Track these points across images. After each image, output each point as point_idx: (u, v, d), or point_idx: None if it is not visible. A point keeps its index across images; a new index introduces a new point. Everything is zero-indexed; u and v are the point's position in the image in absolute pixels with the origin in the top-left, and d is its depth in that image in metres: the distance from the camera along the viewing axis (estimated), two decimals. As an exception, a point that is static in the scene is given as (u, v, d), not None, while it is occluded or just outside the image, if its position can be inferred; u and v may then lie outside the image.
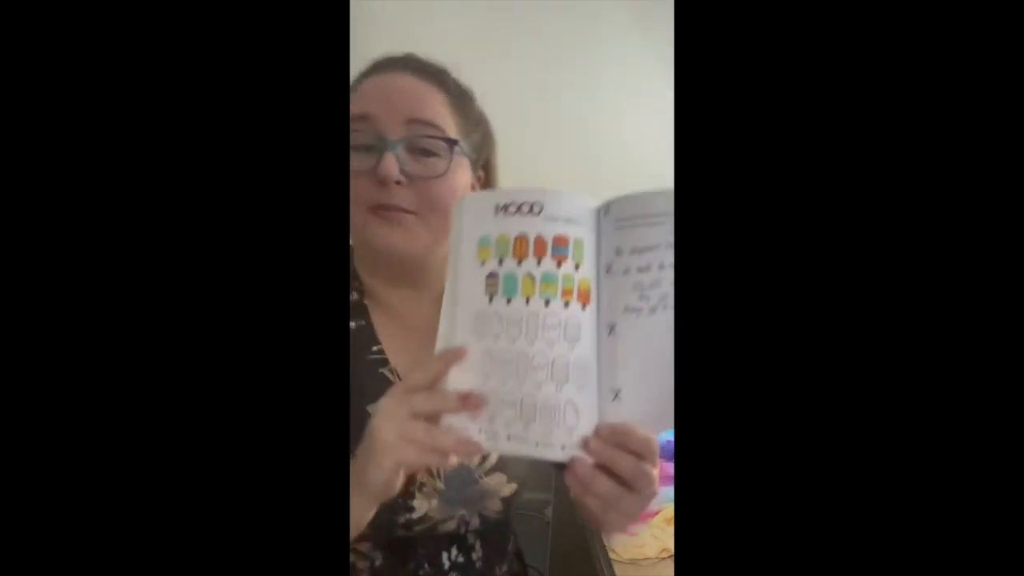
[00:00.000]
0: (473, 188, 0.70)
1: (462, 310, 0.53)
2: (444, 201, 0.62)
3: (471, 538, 0.68)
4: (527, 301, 0.51)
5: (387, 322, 0.70)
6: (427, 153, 0.64)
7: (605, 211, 0.53)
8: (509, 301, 0.51)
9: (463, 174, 0.66)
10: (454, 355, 0.51)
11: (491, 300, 0.52)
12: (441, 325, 0.54)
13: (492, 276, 0.52)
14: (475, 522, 0.68)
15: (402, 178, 0.62)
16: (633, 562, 0.73)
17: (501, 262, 0.52)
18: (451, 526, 0.66)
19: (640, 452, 0.49)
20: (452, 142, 0.64)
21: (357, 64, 0.59)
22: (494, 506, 0.68)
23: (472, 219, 0.53)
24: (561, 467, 0.51)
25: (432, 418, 0.50)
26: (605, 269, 0.52)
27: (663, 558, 0.72)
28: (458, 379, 0.52)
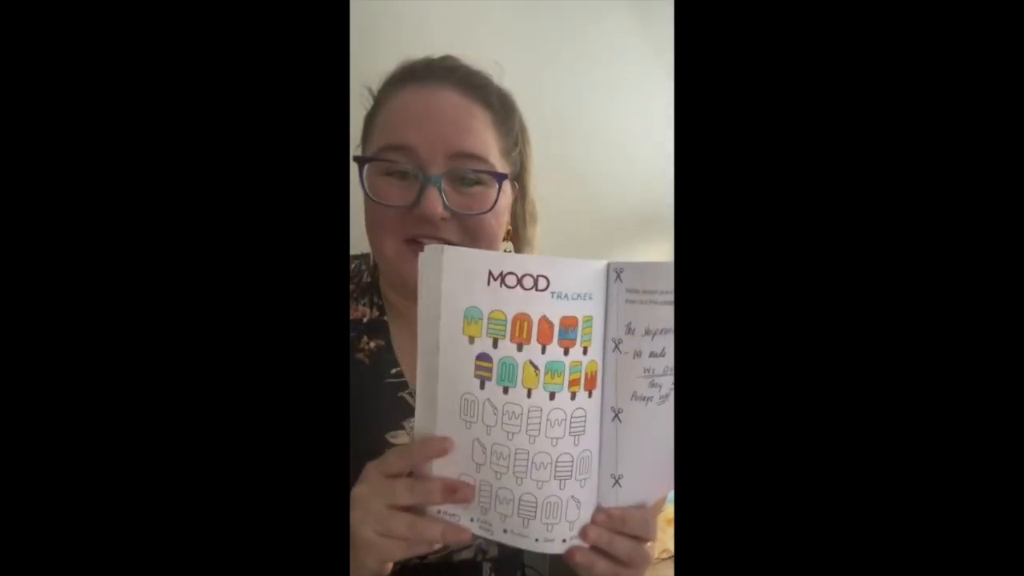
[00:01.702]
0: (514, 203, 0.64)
1: (445, 389, 0.45)
2: (490, 232, 0.58)
3: (486, 568, 0.65)
4: (528, 393, 0.43)
5: (408, 343, 0.63)
6: (470, 183, 0.56)
7: (616, 275, 0.45)
8: (506, 390, 0.43)
9: (506, 199, 0.60)
10: (438, 448, 0.45)
11: (482, 385, 0.44)
12: (418, 400, 0.46)
13: (484, 358, 0.43)
14: (493, 551, 0.64)
15: (447, 215, 0.55)
16: None
17: (496, 344, 0.43)
18: (467, 555, 0.63)
19: (638, 535, 0.47)
20: (500, 176, 0.57)
21: (357, 64, 0.47)
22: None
23: (457, 283, 0.43)
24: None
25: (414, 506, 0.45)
26: (613, 345, 0.45)
27: (663, 559, 0.73)
28: (444, 465, 0.46)
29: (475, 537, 0.62)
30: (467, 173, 0.56)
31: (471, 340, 0.43)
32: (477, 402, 0.44)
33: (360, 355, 0.62)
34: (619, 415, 0.45)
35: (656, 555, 0.73)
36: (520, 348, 0.43)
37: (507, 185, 0.59)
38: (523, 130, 0.65)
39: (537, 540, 0.45)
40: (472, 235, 0.57)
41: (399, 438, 0.59)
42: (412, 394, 0.62)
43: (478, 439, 0.44)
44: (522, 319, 0.43)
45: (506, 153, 0.61)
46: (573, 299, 0.43)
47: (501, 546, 0.64)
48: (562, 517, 0.45)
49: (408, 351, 0.63)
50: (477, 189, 0.57)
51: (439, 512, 0.46)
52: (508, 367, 0.43)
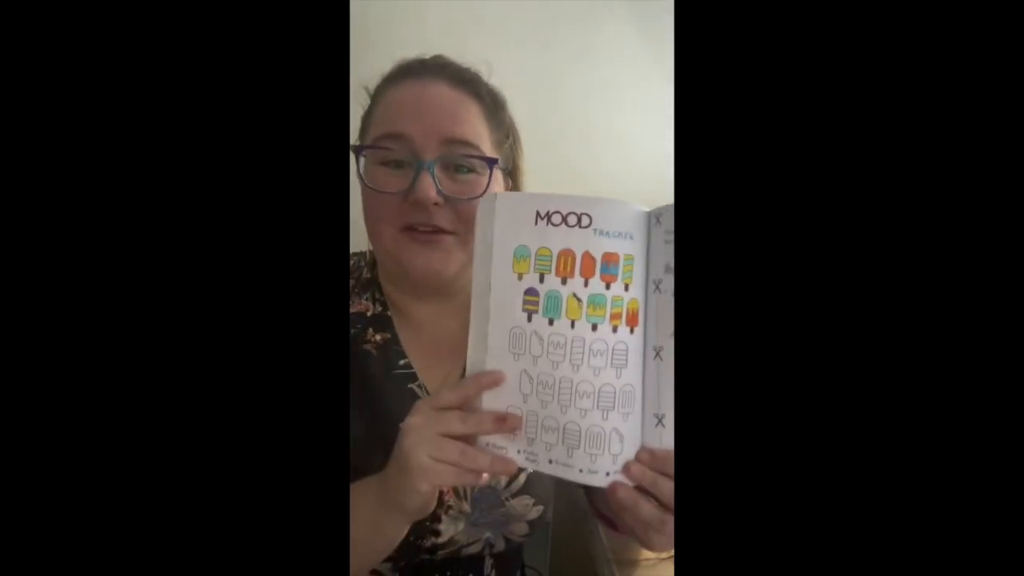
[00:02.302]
0: None
1: (495, 326, 0.48)
2: None
3: (488, 562, 0.67)
4: (572, 324, 0.46)
5: (413, 335, 0.66)
6: (464, 170, 0.60)
7: (656, 220, 0.47)
8: (551, 322, 0.46)
9: (498, 187, 0.63)
10: (489, 380, 0.47)
11: (530, 319, 0.47)
12: (471, 338, 0.49)
13: (531, 293, 0.47)
14: (500, 544, 0.66)
15: (440, 200, 0.58)
16: (633, 562, 0.72)
17: (542, 279, 0.47)
18: (475, 549, 0.64)
19: None
20: (492, 161, 0.60)
21: (357, 65, 0.52)
22: (520, 529, 0.66)
23: (507, 224, 0.47)
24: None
25: (465, 437, 0.48)
26: (654, 286, 0.48)
27: (663, 558, 0.72)
28: (493, 397, 0.48)
29: (479, 530, 0.63)
30: (460, 159, 0.59)
31: (520, 276, 0.47)
32: (524, 334, 0.47)
33: (368, 347, 0.64)
34: (661, 353, 0.47)
35: (656, 555, 0.70)
36: (564, 281, 0.46)
37: (499, 173, 0.61)
38: (513, 128, 0.67)
39: (581, 471, 0.47)
40: (465, 221, 0.59)
41: None
42: (421, 386, 0.64)
43: (525, 370, 0.47)
44: (566, 254, 0.46)
45: (498, 145, 0.63)
46: (615, 236, 0.46)
47: (506, 540, 0.66)
48: (606, 448, 0.47)
49: (413, 344, 0.65)
50: (470, 176, 0.60)
51: (488, 446, 0.48)
52: (553, 300, 0.46)
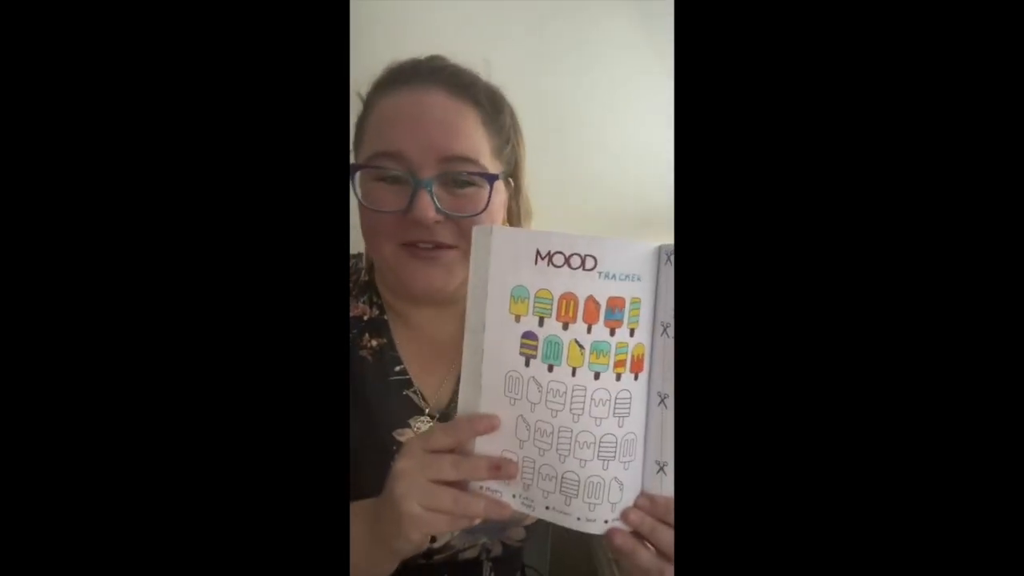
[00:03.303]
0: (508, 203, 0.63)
1: (490, 368, 0.45)
2: None
3: (486, 567, 0.66)
4: (573, 372, 0.43)
5: (410, 341, 0.64)
6: (463, 184, 0.57)
7: (667, 258, 0.44)
8: (551, 368, 0.44)
9: (499, 199, 0.60)
10: (485, 425, 0.45)
11: (527, 363, 0.44)
12: (463, 374, 0.47)
13: (530, 336, 0.44)
14: (497, 549, 0.65)
15: (439, 217, 0.56)
16: None
17: (541, 322, 0.43)
18: (472, 554, 0.64)
19: None
20: (492, 177, 0.57)
21: (357, 65, 0.48)
22: (517, 535, 0.65)
23: (505, 261, 0.44)
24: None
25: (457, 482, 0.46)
26: (662, 329, 0.45)
27: None
28: (487, 440, 0.46)
29: (475, 535, 0.62)
30: (459, 176, 0.56)
31: (517, 319, 0.44)
32: (522, 379, 0.44)
33: (364, 352, 0.63)
34: (665, 400, 0.45)
35: None
36: (566, 327, 0.43)
37: (500, 184, 0.59)
38: (515, 125, 0.64)
39: (579, 519, 0.45)
40: (467, 235, 0.56)
41: (404, 436, 0.60)
42: (417, 392, 0.62)
43: (522, 416, 0.45)
44: (568, 298, 0.43)
45: (498, 152, 0.60)
46: (621, 279, 0.43)
47: (504, 546, 0.65)
48: (604, 498, 0.45)
49: (410, 349, 0.64)
50: (470, 191, 0.57)
51: (481, 488, 0.47)
52: (553, 345, 0.43)
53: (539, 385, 0.44)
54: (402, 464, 0.46)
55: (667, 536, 0.45)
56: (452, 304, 0.63)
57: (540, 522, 0.65)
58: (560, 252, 0.43)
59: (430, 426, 0.62)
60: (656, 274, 0.44)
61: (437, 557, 0.62)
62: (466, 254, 0.57)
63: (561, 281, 0.43)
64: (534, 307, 0.43)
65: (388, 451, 0.58)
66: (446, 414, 0.61)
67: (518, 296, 0.44)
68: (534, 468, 0.45)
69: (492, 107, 0.60)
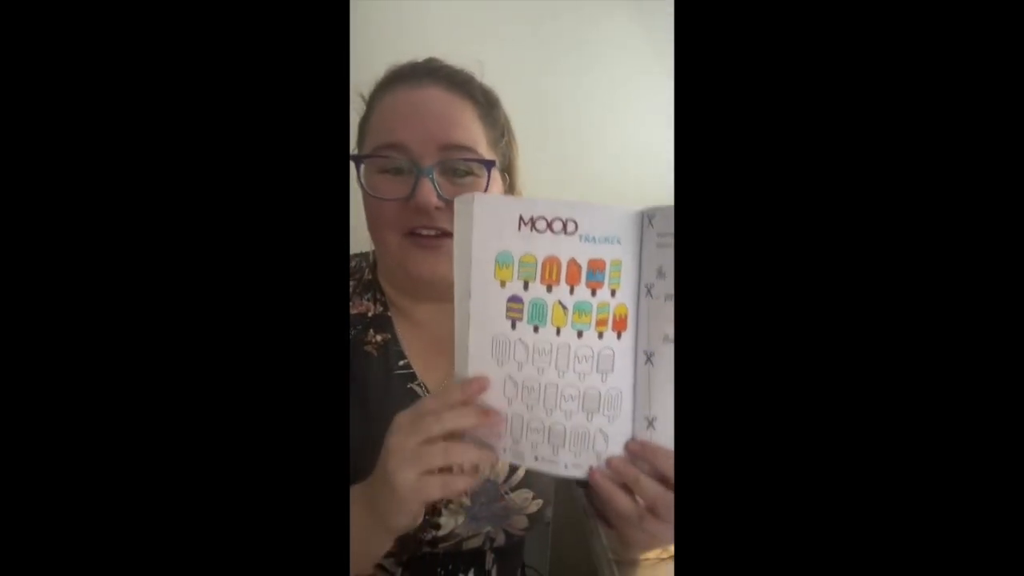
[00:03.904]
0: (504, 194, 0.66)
1: (478, 332, 0.47)
2: None
3: (489, 557, 0.67)
4: (558, 331, 0.45)
5: (413, 336, 0.66)
6: (462, 173, 0.60)
7: (649, 220, 0.45)
8: (536, 329, 0.45)
9: (497, 187, 0.63)
10: (477, 386, 0.47)
11: (514, 326, 0.46)
12: (456, 346, 0.48)
13: (515, 300, 0.46)
14: (500, 539, 0.66)
15: (441, 204, 0.58)
16: (633, 562, 0.71)
17: (526, 286, 0.45)
18: (476, 543, 0.65)
19: (666, 477, 0.46)
20: (489, 163, 0.60)
21: (357, 66, 0.49)
22: (519, 523, 0.66)
23: (489, 230, 0.46)
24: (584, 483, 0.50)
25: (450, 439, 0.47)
26: (646, 290, 0.46)
27: (663, 558, 0.72)
28: (479, 401, 0.48)
29: (478, 524, 0.63)
30: (458, 164, 0.59)
31: (502, 284, 0.46)
32: (509, 341, 0.46)
33: (368, 348, 0.64)
34: (651, 358, 0.46)
35: (656, 555, 0.71)
36: (550, 289, 0.45)
37: (496, 173, 0.61)
38: (507, 123, 0.66)
39: (566, 466, 0.47)
40: None
41: None
42: (421, 385, 0.64)
43: (510, 376, 0.47)
44: (552, 262, 0.44)
45: (493, 144, 0.63)
46: (601, 242, 0.44)
47: (507, 535, 0.66)
48: (590, 447, 0.47)
49: (414, 344, 0.65)
50: (469, 179, 0.60)
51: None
52: (539, 307, 0.45)
53: (526, 346, 0.46)
54: (391, 440, 0.46)
55: (650, 487, 0.46)
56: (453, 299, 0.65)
57: (540, 521, 0.68)
58: (543, 217, 0.44)
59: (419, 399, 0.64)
60: (639, 237, 0.45)
61: (442, 546, 0.63)
62: None
63: (544, 245, 0.44)
64: (519, 271, 0.45)
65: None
66: None
67: (502, 262, 0.45)
68: (523, 423, 0.47)
69: (487, 102, 0.63)
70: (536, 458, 0.48)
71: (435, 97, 0.60)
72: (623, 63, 1.03)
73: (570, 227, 0.44)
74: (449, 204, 0.57)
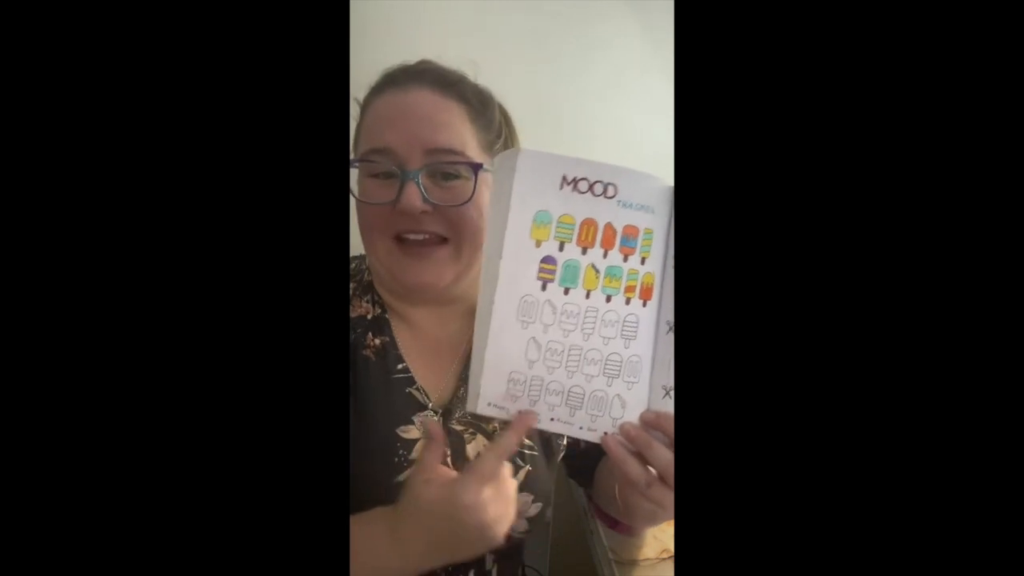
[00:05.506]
0: None
1: (505, 294, 0.46)
2: (473, 225, 0.59)
3: (489, 558, 0.66)
4: (587, 295, 0.46)
5: (411, 339, 0.65)
6: (450, 177, 0.58)
7: None
8: (567, 291, 0.46)
9: (485, 188, 0.60)
10: (526, 424, 0.48)
11: (544, 287, 0.46)
12: (479, 305, 0.48)
13: (549, 261, 0.46)
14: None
15: (428, 208, 0.57)
16: (633, 562, 0.73)
17: (562, 247, 0.46)
18: None
19: None
20: (477, 166, 0.58)
21: (357, 67, 0.49)
22: (519, 526, 0.64)
23: (529, 186, 0.46)
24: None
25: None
26: (673, 262, 0.47)
27: (663, 558, 0.73)
28: (495, 364, 0.48)
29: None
30: (443, 167, 0.58)
31: (537, 244, 0.46)
32: (537, 303, 0.46)
33: (367, 352, 0.64)
34: (673, 328, 0.48)
35: (656, 555, 0.73)
36: (584, 251, 0.45)
37: (485, 176, 0.59)
38: (508, 123, 0.65)
39: (581, 428, 0.48)
40: (455, 227, 0.59)
41: (409, 432, 0.61)
42: (419, 389, 0.63)
43: (534, 338, 0.47)
44: (590, 224, 0.45)
45: (487, 146, 0.62)
46: (637, 209, 0.45)
47: (508, 537, 0.66)
48: (607, 412, 0.47)
49: (411, 347, 0.65)
50: (456, 183, 0.58)
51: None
52: (571, 269, 0.45)
53: (554, 308, 0.46)
54: (466, 500, 0.47)
55: (662, 455, 0.46)
56: (451, 303, 0.65)
57: (541, 521, 0.67)
58: (585, 178, 0.45)
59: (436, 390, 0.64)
60: (670, 210, 0.47)
61: None
62: (458, 249, 0.59)
63: (584, 207, 0.45)
64: (556, 231, 0.45)
65: (392, 448, 0.59)
66: (449, 410, 0.63)
67: (540, 221, 0.45)
68: (542, 385, 0.47)
69: (480, 104, 0.62)
70: (552, 419, 0.48)
71: (422, 100, 0.59)
72: (623, 62, 1.04)
73: (610, 191, 0.45)
74: (437, 208, 0.57)
